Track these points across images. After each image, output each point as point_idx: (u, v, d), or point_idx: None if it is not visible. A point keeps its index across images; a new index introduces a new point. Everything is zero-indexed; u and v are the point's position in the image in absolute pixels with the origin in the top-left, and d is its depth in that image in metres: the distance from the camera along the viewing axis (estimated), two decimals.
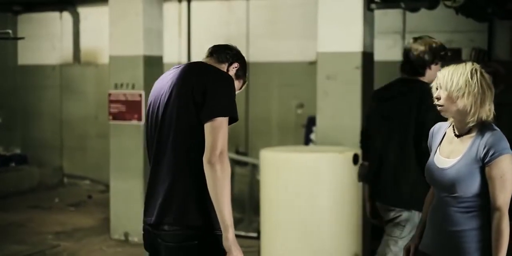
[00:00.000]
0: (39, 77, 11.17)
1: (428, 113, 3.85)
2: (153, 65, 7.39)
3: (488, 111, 2.97)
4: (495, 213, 2.87)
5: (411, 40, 4.49)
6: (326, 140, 6.37)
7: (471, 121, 2.96)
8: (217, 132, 2.91)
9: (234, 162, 8.14)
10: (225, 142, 2.92)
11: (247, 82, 3.40)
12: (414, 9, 7.14)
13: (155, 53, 7.46)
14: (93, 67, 10.76)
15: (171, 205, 3.02)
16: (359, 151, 5.79)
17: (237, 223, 7.27)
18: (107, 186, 9.38)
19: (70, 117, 10.99)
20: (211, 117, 2.93)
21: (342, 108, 6.37)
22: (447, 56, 4.35)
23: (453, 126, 3.09)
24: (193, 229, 2.99)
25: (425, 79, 4.28)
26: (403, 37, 8.71)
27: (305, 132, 8.64)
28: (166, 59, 7.88)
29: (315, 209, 5.52)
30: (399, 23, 8.71)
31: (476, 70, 2.98)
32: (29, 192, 10.35)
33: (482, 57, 8.36)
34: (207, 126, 2.93)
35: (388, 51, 8.66)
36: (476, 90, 2.94)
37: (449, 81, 2.97)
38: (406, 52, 4.42)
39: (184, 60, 9.97)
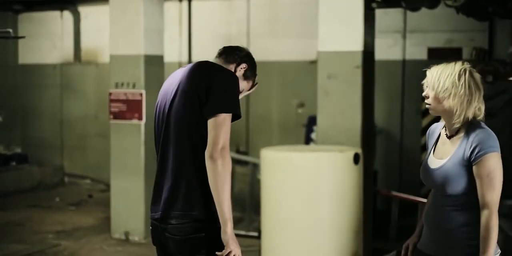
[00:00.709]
0: (40, 76, 11.17)
1: None
2: (154, 65, 7.40)
3: (477, 110, 2.98)
4: (483, 211, 2.89)
5: None
6: (326, 139, 6.37)
7: (457, 122, 2.97)
8: (219, 128, 2.97)
9: (234, 162, 8.11)
10: (227, 138, 2.98)
11: (257, 83, 3.42)
12: (414, 8, 7.13)
13: (155, 52, 7.45)
14: (93, 66, 10.76)
15: (177, 199, 3.08)
16: (359, 151, 5.79)
17: (237, 222, 7.28)
18: (107, 185, 9.39)
19: (71, 116, 11.00)
20: (214, 113, 2.99)
21: (342, 107, 6.37)
22: None
23: (445, 126, 3.10)
24: (199, 222, 3.05)
25: None
26: (404, 36, 8.71)
27: (306, 131, 8.64)
28: (166, 59, 7.88)
29: (315, 208, 5.52)
30: (399, 22, 8.71)
31: (465, 71, 2.97)
32: (29, 191, 10.35)
33: (483, 57, 8.36)
34: (210, 122, 2.99)
35: (389, 50, 8.67)
36: (462, 91, 2.93)
37: (436, 82, 2.98)
38: None
39: (185, 60, 9.97)
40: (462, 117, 2.95)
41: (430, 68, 3.06)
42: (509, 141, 7.46)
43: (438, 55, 8.47)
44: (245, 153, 9.31)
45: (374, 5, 6.50)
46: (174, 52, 9.86)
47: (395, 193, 6.54)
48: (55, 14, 10.99)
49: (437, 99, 2.98)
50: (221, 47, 3.41)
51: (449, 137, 3.04)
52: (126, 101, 7.35)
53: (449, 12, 7.36)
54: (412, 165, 8.24)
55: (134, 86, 7.32)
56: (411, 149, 8.68)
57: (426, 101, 3.05)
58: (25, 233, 7.76)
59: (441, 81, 2.96)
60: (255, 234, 6.80)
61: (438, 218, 3.06)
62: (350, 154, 5.63)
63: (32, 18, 11.08)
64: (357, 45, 6.34)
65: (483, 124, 2.99)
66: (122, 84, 7.38)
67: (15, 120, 11.22)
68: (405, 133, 8.64)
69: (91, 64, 10.79)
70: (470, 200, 2.94)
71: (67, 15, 10.85)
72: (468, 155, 2.91)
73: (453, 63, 3.02)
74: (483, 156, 2.88)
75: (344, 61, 6.37)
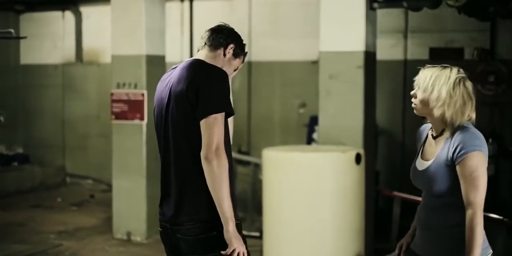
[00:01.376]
0: (41, 76, 11.18)
1: None
2: (156, 65, 7.40)
3: (467, 118, 2.96)
4: (468, 211, 2.87)
5: None
6: (328, 139, 6.37)
7: (448, 129, 2.97)
8: (211, 128, 2.99)
9: (236, 162, 8.13)
10: (220, 137, 3.00)
11: (247, 52, 3.44)
12: (416, 8, 7.13)
13: (157, 53, 7.46)
14: (95, 67, 10.76)
15: (184, 202, 3.11)
16: (361, 151, 5.79)
17: None
18: (109, 186, 9.39)
19: (72, 117, 11.00)
20: (205, 114, 3.01)
21: (344, 108, 6.37)
22: None
23: (431, 128, 3.10)
24: (209, 222, 3.06)
25: None
26: (406, 37, 8.70)
27: (307, 131, 8.64)
28: (168, 59, 7.88)
29: (317, 208, 5.52)
30: (401, 22, 8.70)
31: (460, 80, 2.94)
32: (31, 192, 10.36)
33: (484, 57, 8.35)
34: (202, 124, 3.01)
35: (391, 50, 8.66)
36: (457, 103, 2.92)
37: (429, 87, 2.95)
38: None
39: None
40: (452, 125, 2.94)
41: (424, 68, 3.03)
42: None
43: (440, 55, 8.46)
44: (247, 153, 9.31)
45: (376, 5, 6.51)
46: (175, 52, 9.85)
47: (396, 193, 6.54)
48: (57, 14, 10.99)
49: (426, 103, 2.97)
50: None
51: (435, 138, 3.04)
52: (128, 101, 7.35)
53: (451, 12, 7.36)
54: None
55: (135, 86, 7.32)
56: (412, 149, 8.66)
57: (413, 100, 3.04)
58: (27, 234, 7.76)
59: (435, 88, 2.93)
60: (257, 234, 6.80)
61: (427, 219, 3.06)
62: (352, 154, 5.62)
63: (33, 18, 11.08)
64: (359, 45, 6.34)
65: (467, 123, 2.97)
66: (124, 84, 7.38)
67: (17, 120, 11.23)
68: (407, 133, 8.63)
69: (92, 64, 10.80)
70: (457, 200, 2.92)
71: (69, 15, 10.86)
72: (451, 155, 2.90)
73: (449, 69, 2.98)
74: (465, 156, 2.86)
75: (345, 61, 6.37)
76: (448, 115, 2.93)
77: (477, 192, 2.85)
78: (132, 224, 7.40)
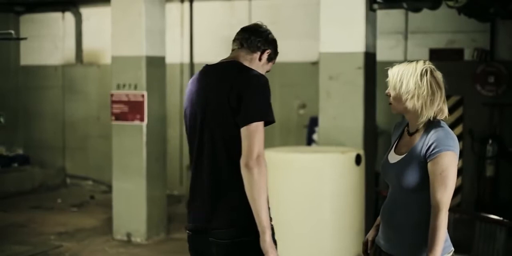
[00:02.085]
0: (42, 77, 11.19)
1: None
2: (155, 66, 7.40)
3: (438, 110, 2.97)
4: (433, 209, 2.87)
5: None
6: (328, 140, 6.37)
7: (421, 122, 2.98)
8: (253, 136, 2.98)
9: None
10: (261, 145, 3.00)
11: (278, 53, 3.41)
12: (416, 9, 7.14)
13: (157, 54, 7.46)
14: (95, 68, 10.77)
15: (219, 206, 3.09)
16: (361, 152, 5.79)
17: None
18: (109, 187, 9.39)
19: (73, 118, 11.00)
20: (247, 122, 2.99)
21: (344, 109, 6.37)
22: None
23: (407, 123, 3.11)
24: (244, 226, 3.04)
25: None
26: (406, 37, 8.71)
27: (307, 132, 8.64)
28: (168, 60, 7.88)
29: (317, 209, 5.52)
30: (401, 23, 8.71)
31: (426, 71, 2.97)
32: (31, 193, 10.36)
33: (484, 57, 8.36)
34: (243, 131, 2.99)
35: (391, 51, 8.67)
36: (425, 92, 2.93)
37: (398, 82, 2.98)
38: None
39: (186, 61, 9.97)
40: (425, 117, 2.95)
41: (392, 67, 3.05)
42: None
43: (439, 56, 8.47)
44: None
45: (375, 6, 6.51)
46: (175, 53, 9.86)
47: None
48: (57, 15, 11.00)
49: (398, 99, 2.99)
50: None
51: (410, 135, 3.05)
52: (128, 103, 7.35)
53: (451, 13, 7.37)
54: None
55: (135, 87, 7.32)
56: None
57: (389, 99, 3.05)
58: (27, 235, 7.76)
59: (404, 82, 2.95)
60: None
61: (390, 214, 3.06)
62: (352, 155, 5.62)
63: (33, 19, 11.09)
64: (359, 46, 6.35)
65: (443, 123, 2.98)
66: (124, 85, 7.38)
67: (17, 121, 11.23)
68: None
69: (92, 66, 10.80)
70: (423, 198, 2.92)
71: (69, 16, 10.86)
72: (424, 152, 2.91)
73: (415, 62, 3.02)
74: (438, 154, 2.87)
75: (345, 62, 6.37)
76: (418, 106, 2.94)
77: (445, 192, 2.86)
78: (132, 225, 7.40)
